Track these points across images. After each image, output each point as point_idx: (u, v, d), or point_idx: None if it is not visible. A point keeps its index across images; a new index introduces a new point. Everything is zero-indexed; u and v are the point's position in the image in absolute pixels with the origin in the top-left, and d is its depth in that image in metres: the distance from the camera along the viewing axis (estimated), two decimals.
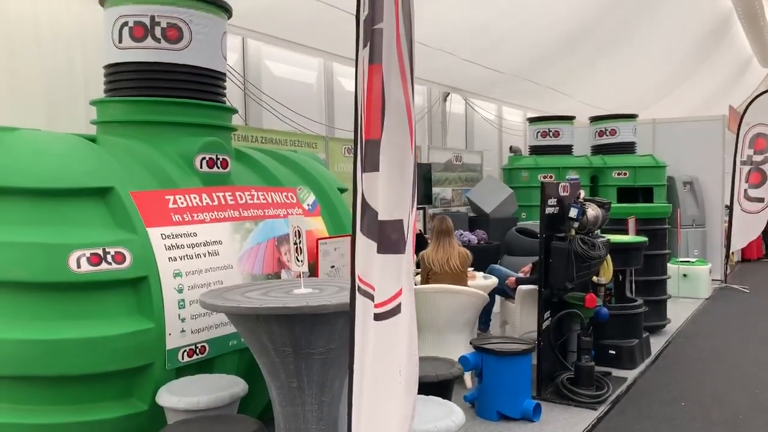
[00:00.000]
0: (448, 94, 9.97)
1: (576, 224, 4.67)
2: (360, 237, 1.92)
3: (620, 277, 5.95)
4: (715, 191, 9.94)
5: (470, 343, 4.42)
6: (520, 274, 5.83)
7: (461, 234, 8.18)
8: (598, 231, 5.18)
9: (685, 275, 8.63)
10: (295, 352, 2.70)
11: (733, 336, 6.56)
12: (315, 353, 2.74)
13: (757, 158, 9.44)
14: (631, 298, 5.90)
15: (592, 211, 4.78)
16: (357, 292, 1.94)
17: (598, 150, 9.94)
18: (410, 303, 1.92)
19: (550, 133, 9.71)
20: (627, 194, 9.45)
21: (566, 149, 9.74)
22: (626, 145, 9.75)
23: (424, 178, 8.56)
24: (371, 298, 1.89)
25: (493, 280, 5.96)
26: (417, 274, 5.35)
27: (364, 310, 1.92)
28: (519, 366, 4.21)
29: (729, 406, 4.48)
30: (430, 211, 9.00)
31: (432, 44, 7.19)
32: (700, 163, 9.95)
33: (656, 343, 6.14)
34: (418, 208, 8.23)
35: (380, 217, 1.86)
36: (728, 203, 9.79)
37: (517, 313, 5.69)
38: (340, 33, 6.52)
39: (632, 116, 9.84)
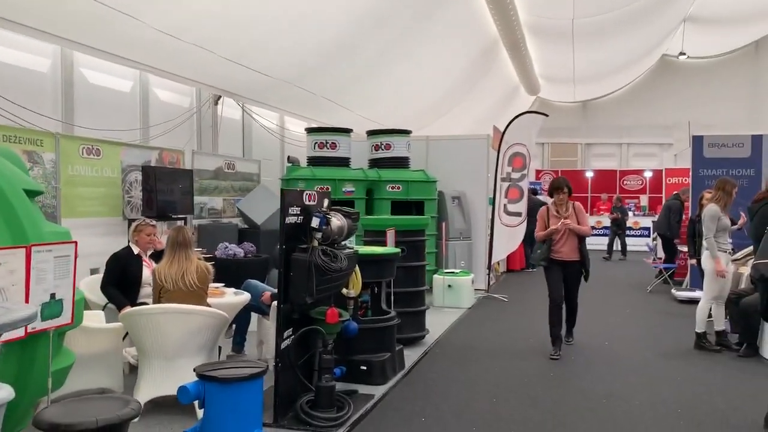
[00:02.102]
0: (220, 97, 9.37)
1: (319, 235, 4.37)
2: None
3: (376, 289, 5.82)
4: (481, 206, 10.52)
5: (193, 371, 3.88)
6: (275, 290, 5.43)
7: (226, 247, 7.62)
8: (347, 242, 4.96)
9: (449, 286, 8.92)
10: None
11: (485, 344, 6.79)
12: None
13: (515, 175, 10.15)
14: (386, 310, 5.79)
15: (337, 221, 4.53)
16: None
17: (374, 164, 10.00)
18: None
19: (327, 145, 9.54)
20: (400, 207, 9.61)
21: (343, 161, 9.65)
22: (400, 159, 9.92)
23: (185, 185, 7.85)
24: None
25: (243, 298, 5.49)
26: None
27: None
28: (246, 393, 3.76)
29: (467, 419, 4.46)
30: (195, 222, 8.30)
31: (185, 38, 6.58)
32: (468, 179, 10.48)
33: (412, 355, 6.12)
34: (177, 218, 7.44)
35: None
36: (491, 217, 10.41)
37: (273, 331, 5.27)
38: (85, 20, 5.67)
39: (406, 132, 10.05)
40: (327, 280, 4.34)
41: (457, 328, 7.64)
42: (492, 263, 10.35)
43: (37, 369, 3.24)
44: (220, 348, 5.06)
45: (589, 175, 21.64)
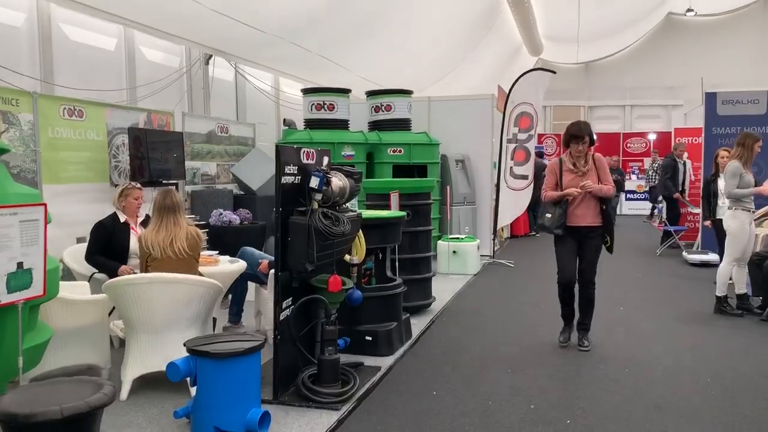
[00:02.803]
0: (211, 56, 8.88)
1: (318, 196, 3.99)
2: None
3: (380, 256, 5.48)
4: (485, 169, 10.12)
5: (184, 345, 3.54)
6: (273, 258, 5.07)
7: (221, 214, 7.26)
8: (350, 204, 4.58)
9: (454, 252, 8.58)
10: None
11: (494, 311, 6.47)
12: None
13: (522, 136, 9.72)
14: (392, 278, 5.45)
15: (338, 181, 4.14)
16: None
17: (374, 126, 9.56)
18: None
19: (325, 106, 9.09)
20: (402, 171, 9.21)
21: (342, 124, 9.20)
22: (402, 121, 9.49)
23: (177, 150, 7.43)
24: None
25: (239, 266, 5.14)
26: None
27: None
28: (242, 369, 3.43)
29: (482, 392, 4.14)
30: (188, 188, 7.91)
31: None
32: (472, 141, 10.06)
33: (419, 324, 5.80)
34: (168, 184, 7.04)
35: None
36: (497, 181, 10.02)
37: (272, 301, 4.92)
38: None
39: (407, 92, 9.58)
40: (328, 246, 3.98)
41: (463, 295, 7.32)
42: (497, 228, 9.99)
43: (6, 347, 2.89)
44: (214, 320, 4.73)
45: None
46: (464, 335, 5.56)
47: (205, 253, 5.34)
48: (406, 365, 4.73)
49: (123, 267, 4.73)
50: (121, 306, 4.08)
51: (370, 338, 4.92)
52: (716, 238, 7.66)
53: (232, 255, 5.51)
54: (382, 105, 9.44)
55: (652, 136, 20.43)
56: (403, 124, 9.47)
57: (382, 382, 4.34)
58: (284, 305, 3.95)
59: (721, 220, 6.55)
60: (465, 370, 4.57)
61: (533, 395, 4.08)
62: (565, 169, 5.09)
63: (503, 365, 4.69)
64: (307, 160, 4.13)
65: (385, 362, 4.72)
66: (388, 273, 5.48)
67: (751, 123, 9.58)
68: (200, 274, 4.42)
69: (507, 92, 9.84)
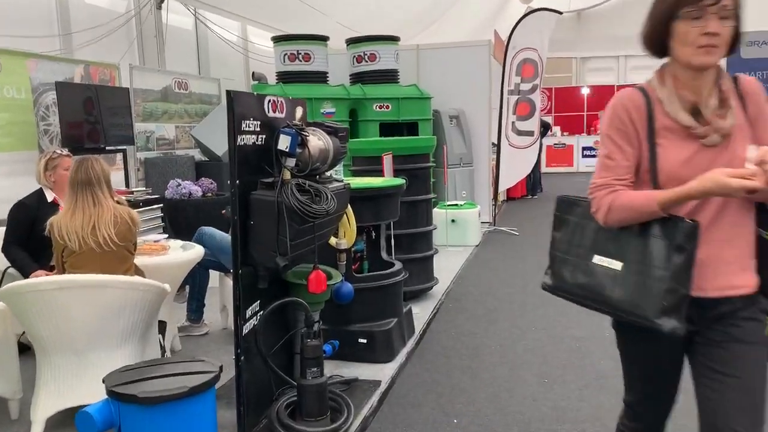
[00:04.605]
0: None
1: (291, 162, 2.88)
2: None
3: (373, 235, 4.40)
4: (482, 126, 9.02)
5: (103, 382, 2.46)
6: None
7: (179, 185, 6.10)
8: (334, 172, 3.48)
9: (453, 221, 7.54)
10: None
11: (507, 291, 5.47)
12: None
13: (525, 87, 8.61)
14: (388, 261, 4.39)
15: (318, 140, 3.02)
16: None
17: (357, 79, 8.38)
18: None
19: (300, 57, 7.88)
20: (390, 130, 8.08)
21: (320, 77, 8.01)
22: (388, 73, 8.31)
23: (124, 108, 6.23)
24: None
25: (195, 252, 4.04)
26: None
27: None
28: (185, 416, 2.37)
29: (517, 419, 3.13)
30: (140, 155, 6.72)
31: None
32: (467, 94, 8.94)
33: (421, 314, 4.77)
34: (112, 151, 5.84)
35: None
36: (495, 140, 8.94)
37: None
38: None
39: (394, 39, 8.39)
40: (307, 230, 2.89)
41: (468, 273, 6.30)
42: (499, 192, 8.94)
43: None
44: (163, 325, 3.66)
45: (585, 91, 20.08)
46: (478, 327, 4.55)
47: (150, 237, 4.22)
48: (411, 375, 3.71)
49: (39, 271, 3.61)
50: (25, 321, 2.98)
51: (364, 341, 3.88)
52: None
53: (173, 239, 4.42)
54: (365, 54, 8.25)
55: None
56: (389, 76, 8.30)
57: (383, 405, 3.31)
58: (248, 313, 2.87)
59: None
60: (488, 381, 3.57)
61: (585, 420, 3.07)
62: (662, 125, 1.70)
63: (535, 372, 3.68)
64: (274, 112, 3.00)
65: (385, 372, 3.69)
66: (384, 255, 4.41)
67: None
68: (137, 271, 3.33)
69: (507, 38, 8.68)
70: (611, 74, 21.01)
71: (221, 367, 2.54)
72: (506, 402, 3.28)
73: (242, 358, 2.82)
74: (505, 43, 8.57)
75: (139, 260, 3.52)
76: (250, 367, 2.90)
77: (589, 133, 18.85)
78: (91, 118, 5.82)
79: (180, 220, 5.80)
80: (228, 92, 2.73)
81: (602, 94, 19.85)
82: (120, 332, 3.02)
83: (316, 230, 2.97)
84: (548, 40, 8.92)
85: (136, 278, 3.10)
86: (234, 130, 2.73)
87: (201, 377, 2.45)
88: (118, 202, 3.34)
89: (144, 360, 3.13)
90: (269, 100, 2.96)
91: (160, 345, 3.66)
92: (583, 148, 18.65)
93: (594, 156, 17.56)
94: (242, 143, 2.76)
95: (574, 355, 3.94)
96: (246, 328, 2.85)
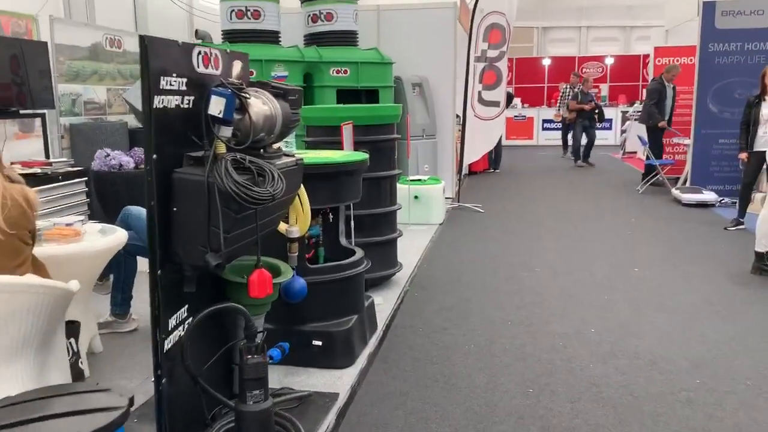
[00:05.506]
0: None
1: (227, 131, 2.25)
2: None
3: (330, 217, 3.81)
4: (447, 95, 8.45)
5: None
6: None
7: (108, 155, 5.35)
8: (283, 144, 2.85)
9: (416, 197, 6.99)
10: None
11: (477, 276, 4.98)
12: None
13: (492, 53, 8.06)
14: (347, 248, 3.81)
15: (263, 104, 2.39)
16: None
17: (312, 40, 7.69)
18: None
19: (249, 13, 7.13)
20: (348, 97, 7.44)
21: (271, 36, 7.28)
22: (346, 34, 7.65)
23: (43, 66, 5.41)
24: None
25: (117, 237, 3.37)
26: None
27: None
28: None
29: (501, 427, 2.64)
30: (65, 120, 5.92)
31: None
32: (431, 61, 8.33)
33: (384, 306, 4.22)
34: (28, 116, 5.04)
35: None
36: (460, 112, 8.39)
37: None
38: None
39: None
40: (247, 219, 2.29)
41: (434, 255, 5.79)
42: (464, 166, 8.43)
43: None
44: (75, 326, 3.03)
45: (546, 62, 19.68)
46: (448, 322, 4.03)
47: (62, 220, 3.53)
48: (375, 385, 3.17)
49: None
50: None
51: (320, 343, 3.31)
52: (744, 174, 6.39)
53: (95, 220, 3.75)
54: (321, 13, 7.55)
55: (609, 60, 19.11)
56: (348, 38, 7.65)
57: (342, 426, 2.76)
58: (171, 324, 2.26)
59: (761, 153, 5.18)
60: (464, 393, 3.06)
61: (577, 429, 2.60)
62: None
63: (517, 380, 3.19)
64: (206, 67, 2.36)
65: (344, 380, 3.14)
66: (343, 241, 3.83)
67: (754, 38, 8.25)
68: (37, 265, 2.66)
69: (473, 1, 8.07)
70: (572, 45, 20.70)
71: (131, 400, 1.94)
72: (488, 421, 2.78)
73: (163, 380, 2.22)
74: (472, 6, 7.97)
75: (47, 249, 2.87)
76: (176, 389, 2.30)
77: (549, 105, 18.50)
78: (17, 78, 5.03)
79: (109, 197, 5.07)
80: (141, 38, 2.08)
81: (563, 65, 19.52)
82: (9, 346, 2.37)
83: (258, 219, 2.37)
84: (516, 5, 8.36)
85: (29, 279, 2.44)
86: (149, 88, 2.09)
87: (104, 417, 1.84)
88: (10, 179, 2.66)
89: (45, 376, 2.52)
90: (199, 52, 2.32)
91: (72, 351, 3.03)
92: (543, 121, 18.32)
93: (554, 129, 17.27)
94: (162, 105, 2.13)
95: (559, 356, 3.47)
96: (169, 343, 2.25)
